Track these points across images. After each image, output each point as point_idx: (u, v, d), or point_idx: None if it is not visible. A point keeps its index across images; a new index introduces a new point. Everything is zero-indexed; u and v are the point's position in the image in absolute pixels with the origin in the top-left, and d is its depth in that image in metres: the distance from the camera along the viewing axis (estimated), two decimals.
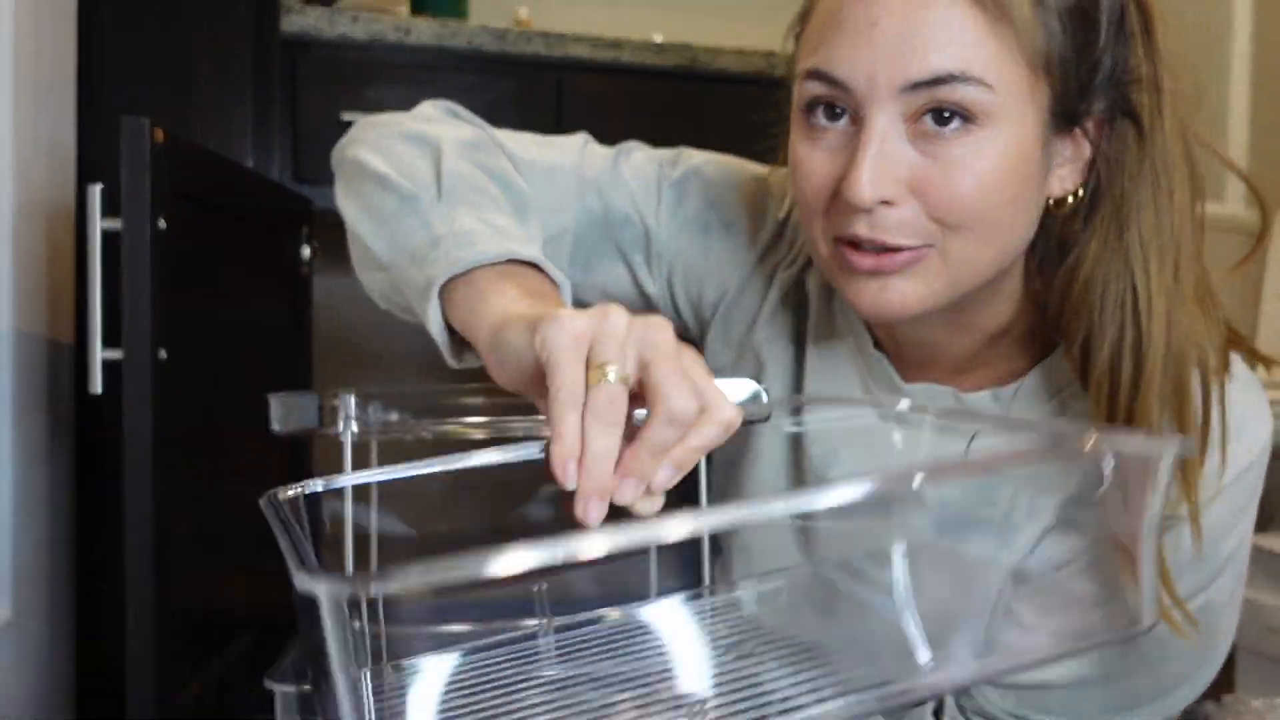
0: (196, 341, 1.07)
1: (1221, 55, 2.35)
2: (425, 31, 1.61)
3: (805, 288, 0.83)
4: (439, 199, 0.72)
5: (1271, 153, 2.36)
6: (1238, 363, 0.73)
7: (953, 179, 0.63)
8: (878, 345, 0.77)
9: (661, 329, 0.51)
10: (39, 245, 1.17)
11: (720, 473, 0.86)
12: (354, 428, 0.65)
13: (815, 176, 0.66)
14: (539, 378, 0.52)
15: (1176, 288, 0.66)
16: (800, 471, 0.82)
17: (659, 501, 0.51)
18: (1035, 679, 0.76)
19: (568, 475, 0.49)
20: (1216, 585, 0.73)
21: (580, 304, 0.76)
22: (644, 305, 0.87)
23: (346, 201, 0.77)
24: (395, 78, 1.60)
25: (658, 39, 1.72)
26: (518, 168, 0.81)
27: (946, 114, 0.62)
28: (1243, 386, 0.72)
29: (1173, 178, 0.66)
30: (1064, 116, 0.65)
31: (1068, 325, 0.69)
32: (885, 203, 0.63)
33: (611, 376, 0.50)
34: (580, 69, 1.68)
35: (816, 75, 0.64)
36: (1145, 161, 0.66)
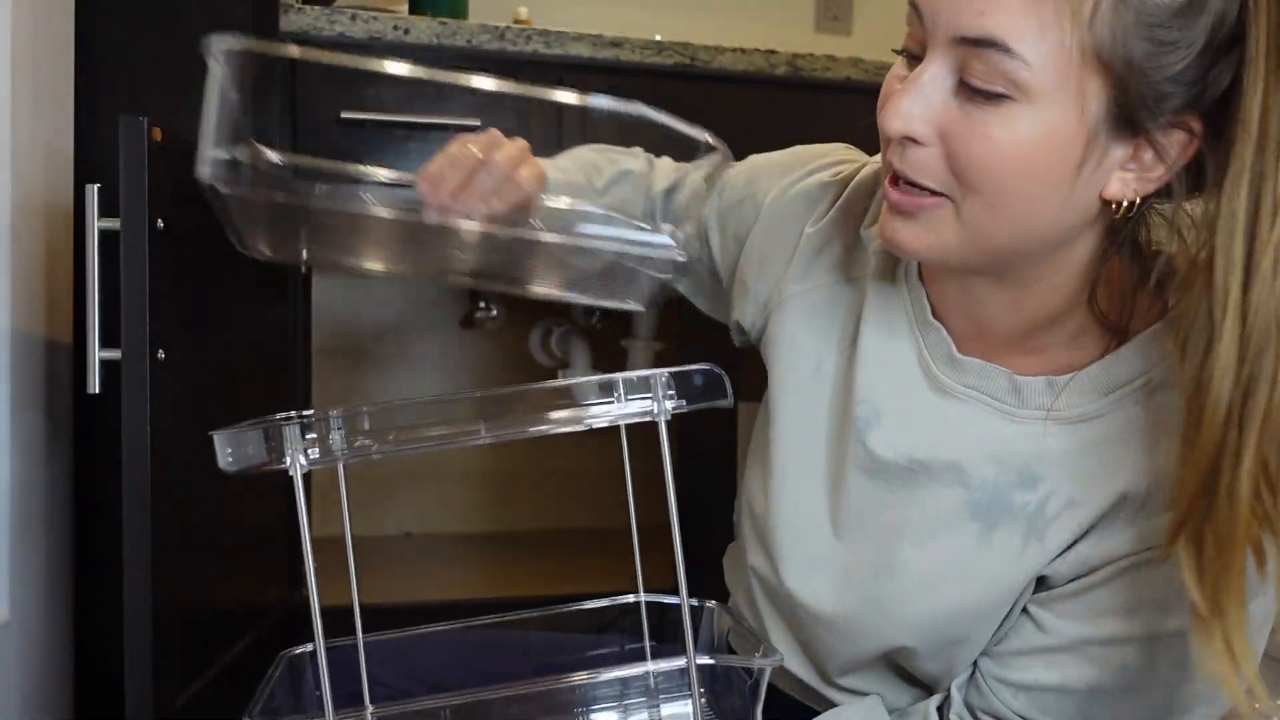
0: (195, 342, 1.07)
1: None
2: (424, 30, 1.60)
3: (852, 251, 0.86)
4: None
5: None
6: None
7: (974, 139, 0.65)
8: (935, 315, 0.80)
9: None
10: (37, 245, 1.17)
11: (771, 425, 0.88)
12: (301, 461, 0.64)
13: (881, 104, 0.70)
14: None
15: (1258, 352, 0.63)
16: (844, 431, 0.83)
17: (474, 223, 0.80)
18: (1053, 682, 0.75)
19: (421, 191, 0.81)
20: (1248, 611, 0.70)
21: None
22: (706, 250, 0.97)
23: None
24: (394, 77, 1.60)
25: (658, 39, 1.71)
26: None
27: (990, 80, 0.64)
28: None
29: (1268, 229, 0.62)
30: (1125, 121, 0.65)
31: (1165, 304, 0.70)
32: (913, 140, 0.67)
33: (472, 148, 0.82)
34: (580, 68, 1.68)
35: (911, 2, 0.68)
36: (1241, 189, 0.63)
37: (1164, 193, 0.69)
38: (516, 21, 1.98)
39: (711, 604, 0.87)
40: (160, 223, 0.95)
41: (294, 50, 0.79)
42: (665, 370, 0.70)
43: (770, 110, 1.76)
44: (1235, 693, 0.65)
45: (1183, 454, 0.66)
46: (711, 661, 0.76)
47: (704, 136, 0.76)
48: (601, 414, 0.70)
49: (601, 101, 0.78)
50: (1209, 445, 0.64)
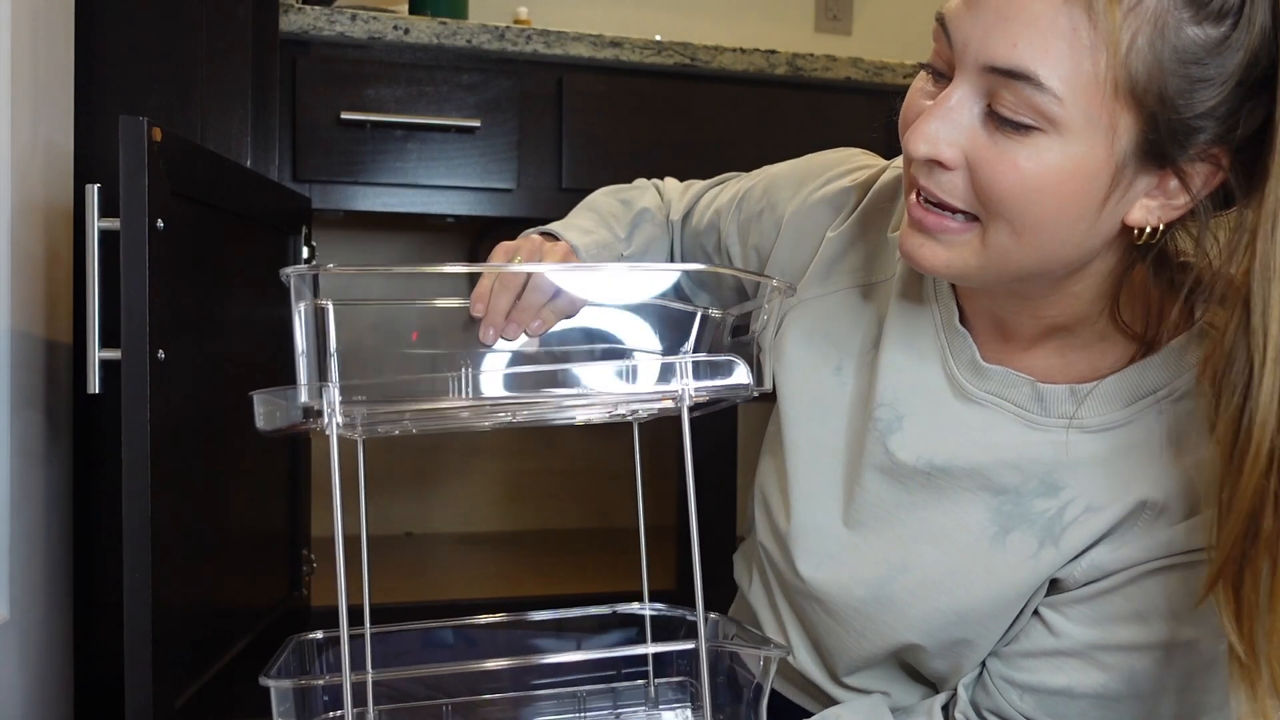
0: (195, 342, 1.07)
1: None
2: (424, 30, 1.60)
3: (875, 256, 0.87)
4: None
5: None
6: None
7: (1002, 167, 0.64)
8: (962, 322, 0.80)
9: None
10: (37, 245, 1.17)
11: (784, 415, 0.89)
12: (339, 421, 0.65)
13: (905, 119, 0.71)
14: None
15: None
16: (863, 430, 0.83)
17: (534, 342, 0.83)
18: (1059, 684, 0.75)
19: (475, 310, 0.82)
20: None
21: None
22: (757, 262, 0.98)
23: None
24: (394, 76, 1.60)
25: (658, 39, 1.71)
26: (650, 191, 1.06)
27: (1019, 111, 0.63)
28: None
29: None
30: (1153, 154, 0.64)
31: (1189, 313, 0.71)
32: (939, 164, 0.67)
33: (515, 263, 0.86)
34: (580, 68, 1.68)
35: (940, 20, 0.67)
36: (1270, 225, 0.63)
37: (1187, 216, 0.68)
38: (516, 21, 1.98)
39: (715, 615, 0.88)
40: (160, 223, 0.95)
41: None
42: (691, 355, 0.72)
43: (770, 110, 1.76)
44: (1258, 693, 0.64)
45: (1222, 499, 0.65)
46: (717, 648, 0.77)
47: (772, 282, 0.78)
48: (625, 395, 0.71)
49: (669, 270, 0.87)
50: (1249, 491, 0.63)
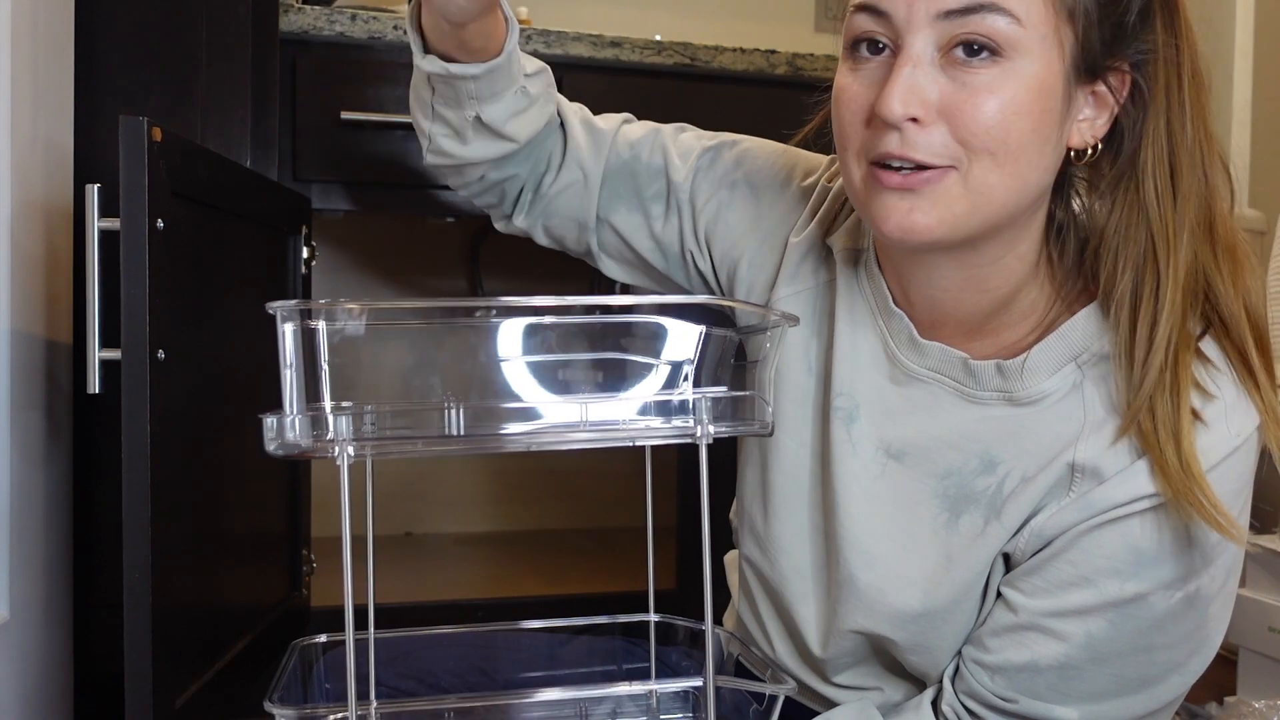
0: (195, 342, 1.07)
1: (1224, 55, 2.35)
2: None
3: (830, 253, 0.88)
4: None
5: (1272, 152, 2.36)
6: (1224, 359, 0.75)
7: (978, 103, 0.69)
8: (896, 304, 0.83)
9: None
10: (36, 245, 1.17)
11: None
12: (350, 450, 0.64)
13: (855, 102, 0.73)
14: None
15: (1195, 238, 0.72)
16: (826, 417, 0.86)
17: None
18: (1023, 660, 0.76)
19: None
20: (1208, 574, 0.74)
21: (602, 234, 0.98)
22: (656, 249, 0.97)
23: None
24: (395, 76, 1.60)
25: (658, 39, 1.71)
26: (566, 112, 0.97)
27: (976, 46, 0.68)
28: (1234, 381, 0.74)
29: (1190, 141, 0.72)
30: (1086, 68, 0.71)
31: (1091, 273, 0.76)
32: (914, 121, 0.69)
33: None
34: (580, 68, 1.68)
35: (863, 8, 0.71)
36: (1161, 122, 0.72)
37: (1094, 153, 0.75)
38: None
39: (719, 630, 0.88)
40: (160, 223, 0.95)
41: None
42: (709, 391, 0.72)
43: (770, 110, 1.76)
44: (1230, 532, 0.70)
45: (1135, 358, 0.72)
46: (722, 686, 0.77)
47: (773, 315, 0.78)
48: (641, 432, 0.71)
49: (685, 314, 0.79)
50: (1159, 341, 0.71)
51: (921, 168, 0.70)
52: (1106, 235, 0.74)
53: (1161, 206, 0.72)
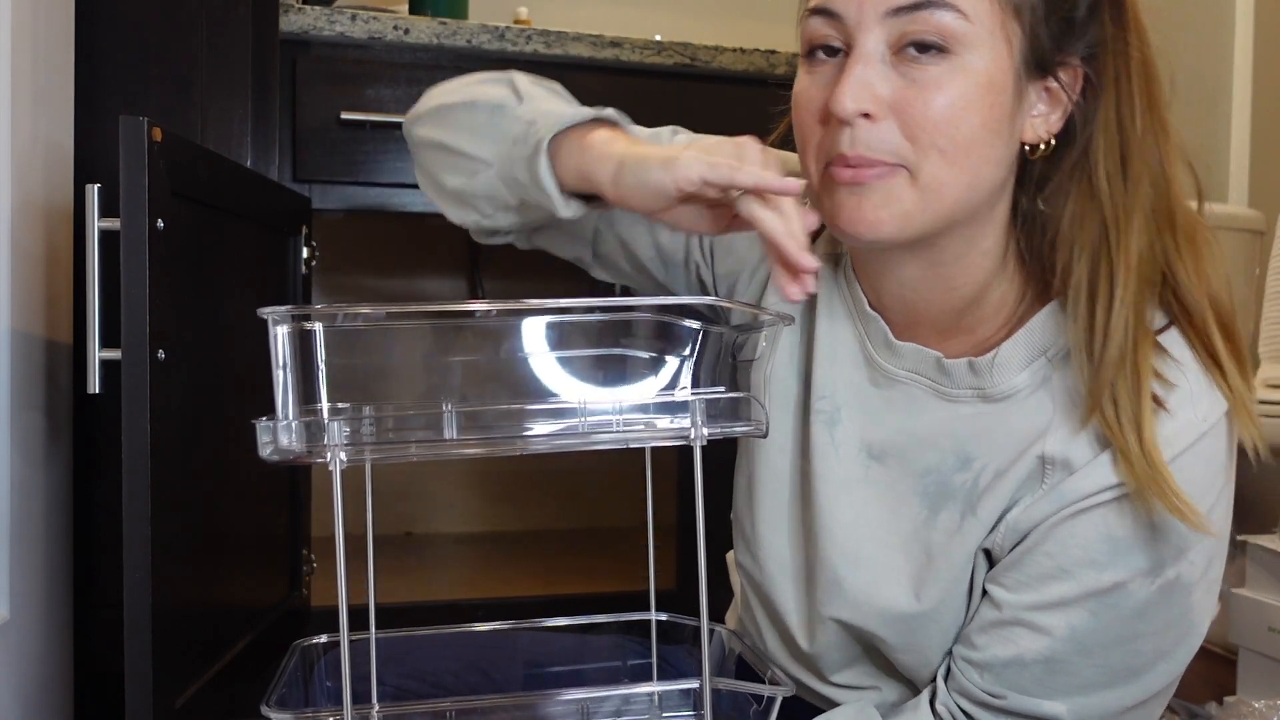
0: (195, 342, 1.07)
1: (1224, 55, 2.35)
2: (424, 30, 1.60)
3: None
4: (520, 102, 0.84)
5: (1272, 152, 2.36)
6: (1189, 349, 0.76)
7: (928, 98, 0.70)
8: (872, 307, 0.84)
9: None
10: (37, 245, 1.17)
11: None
12: (342, 456, 0.64)
13: (811, 103, 0.74)
14: (673, 200, 0.73)
15: (1151, 226, 0.73)
16: (807, 420, 0.86)
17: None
18: (1009, 655, 0.77)
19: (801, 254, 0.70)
20: (1186, 560, 0.74)
21: (601, 242, 0.95)
22: (657, 258, 0.95)
23: (440, 131, 0.88)
24: (395, 76, 1.60)
25: (658, 39, 1.71)
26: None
27: (926, 44, 0.69)
28: (1199, 368, 0.74)
29: (1140, 130, 0.73)
30: (1036, 63, 0.72)
31: (1050, 264, 0.76)
32: (866, 116, 0.70)
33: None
34: (580, 68, 1.68)
35: (816, 11, 0.73)
36: (1111, 113, 0.73)
37: (1048, 147, 0.75)
38: (516, 21, 1.98)
39: (720, 628, 0.88)
40: (160, 223, 0.95)
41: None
42: (704, 393, 0.72)
43: (770, 110, 1.76)
44: (1192, 519, 0.70)
45: (1094, 348, 0.73)
46: (721, 688, 0.77)
47: (767, 315, 0.79)
48: (637, 435, 0.71)
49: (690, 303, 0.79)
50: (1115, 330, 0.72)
51: (871, 163, 0.72)
52: (1062, 226, 0.75)
53: (1113, 194, 0.73)
